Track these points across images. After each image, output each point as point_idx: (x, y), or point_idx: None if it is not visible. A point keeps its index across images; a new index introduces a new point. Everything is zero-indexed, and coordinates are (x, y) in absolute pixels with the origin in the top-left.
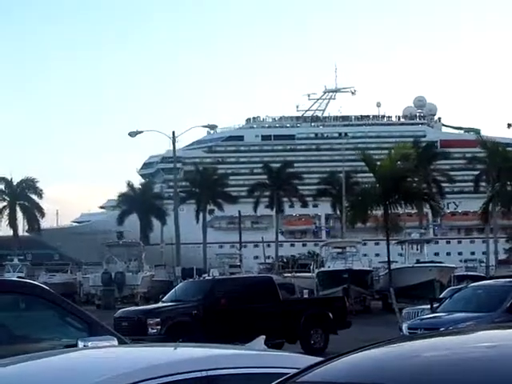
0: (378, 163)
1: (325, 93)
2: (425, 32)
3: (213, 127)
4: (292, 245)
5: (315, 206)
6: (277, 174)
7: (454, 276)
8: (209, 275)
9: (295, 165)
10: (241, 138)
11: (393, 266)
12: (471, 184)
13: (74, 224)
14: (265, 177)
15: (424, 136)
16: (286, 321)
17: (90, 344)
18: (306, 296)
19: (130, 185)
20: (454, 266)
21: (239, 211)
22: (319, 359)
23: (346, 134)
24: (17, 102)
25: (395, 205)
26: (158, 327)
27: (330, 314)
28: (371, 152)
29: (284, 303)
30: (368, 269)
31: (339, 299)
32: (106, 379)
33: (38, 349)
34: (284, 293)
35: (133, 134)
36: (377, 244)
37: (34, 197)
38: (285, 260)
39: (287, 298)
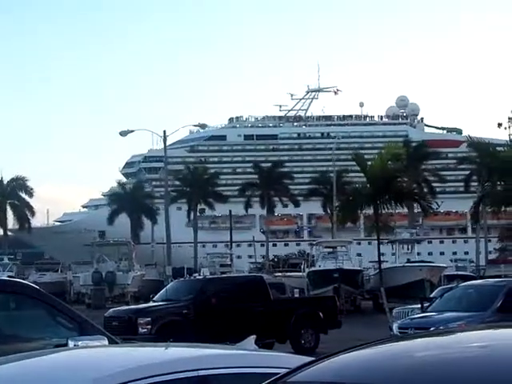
0: (369, 163)
1: (308, 92)
2: (408, 32)
3: (203, 126)
4: (274, 244)
5: (297, 205)
6: (267, 173)
7: (445, 276)
8: (199, 274)
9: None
10: (223, 137)
11: (383, 266)
12: (461, 184)
13: (57, 223)
14: (254, 176)
15: (406, 136)
16: (277, 320)
17: (80, 343)
18: (296, 295)
19: (120, 184)
20: (444, 265)
21: (230, 211)
22: (310, 359)
23: (328, 133)
24: (11, 101)
25: (386, 204)
26: (149, 327)
27: (321, 314)
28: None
29: (274, 303)
30: (358, 268)
31: (330, 299)
32: (98, 378)
33: (28, 348)
34: (275, 292)
35: (124, 134)
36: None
37: (25, 196)
38: (275, 259)
39: (278, 298)
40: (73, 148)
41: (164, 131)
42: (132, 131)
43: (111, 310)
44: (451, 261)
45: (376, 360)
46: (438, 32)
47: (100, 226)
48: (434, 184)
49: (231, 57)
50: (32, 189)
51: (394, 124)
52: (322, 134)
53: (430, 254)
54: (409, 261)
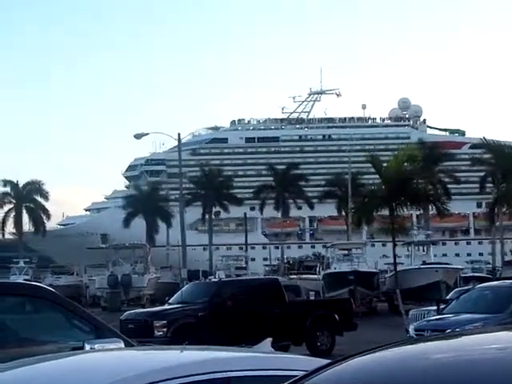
0: (385, 164)
1: (310, 95)
2: (410, 33)
3: (216, 128)
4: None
5: (299, 208)
6: (282, 175)
7: (461, 277)
8: (215, 277)
9: (279, 167)
10: (225, 140)
11: (399, 268)
12: (475, 185)
13: (59, 226)
14: (268, 178)
15: (408, 138)
16: (292, 323)
17: (96, 346)
18: (311, 298)
19: (136, 187)
20: (460, 267)
21: (245, 213)
22: (327, 361)
23: (329, 136)
24: (24, 104)
25: (401, 206)
26: (165, 329)
27: (336, 316)
28: (355, 154)
29: (290, 305)
30: (374, 270)
31: (345, 301)
32: (114, 382)
33: (44, 351)
34: (290, 295)
35: (138, 136)
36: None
37: (40, 199)
38: (291, 262)
39: (293, 300)
40: (78, 149)
41: (178, 134)
42: (147, 134)
43: (127, 312)
44: (467, 262)
45: (393, 363)
46: (440, 33)
47: (102, 229)
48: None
49: (233, 59)
50: (47, 192)
51: (396, 126)
52: (324, 136)
53: (444, 255)
54: (424, 263)
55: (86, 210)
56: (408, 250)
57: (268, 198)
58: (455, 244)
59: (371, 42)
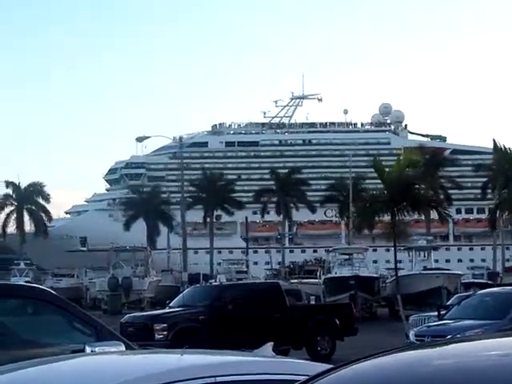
0: (387, 170)
1: (292, 99)
2: (394, 40)
3: (219, 133)
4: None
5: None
6: (284, 179)
7: (462, 283)
8: (215, 281)
9: (259, 171)
10: (205, 144)
11: (400, 273)
12: (477, 191)
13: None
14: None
15: (388, 143)
16: (293, 327)
17: (97, 349)
18: (312, 302)
19: (137, 190)
20: (461, 273)
21: (246, 217)
22: (328, 366)
23: (309, 140)
24: (28, 105)
25: (403, 211)
26: (165, 333)
27: (337, 321)
28: (335, 159)
29: (291, 309)
30: (375, 275)
31: (346, 305)
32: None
33: (45, 354)
34: (291, 299)
35: (140, 139)
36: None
37: (42, 201)
38: (291, 266)
39: (294, 304)
40: (76, 150)
41: (180, 137)
42: (148, 137)
43: (127, 315)
44: (468, 268)
45: (395, 369)
46: (423, 40)
47: (81, 232)
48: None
49: (217, 63)
50: (49, 194)
51: (377, 131)
52: (304, 140)
53: (447, 261)
54: (425, 268)
55: (67, 213)
56: (409, 255)
57: (269, 201)
58: (458, 249)
59: (354, 48)
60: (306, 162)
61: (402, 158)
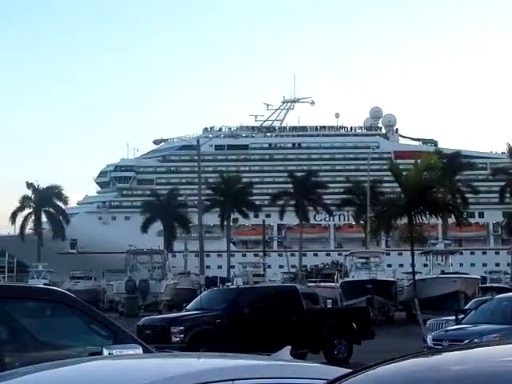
0: (404, 173)
1: (283, 103)
2: (387, 44)
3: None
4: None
5: (268, 215)
6: (302, 182)
7: (479, 287)
8: (232, 284)
9: (248, 175)
10: (195, 147)
11: (417, 277)
12: (495, 195)
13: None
14: (289, 185)
15: (378, 147)
16: (310, 330)
17: (114, 352)
18: (329, 306)
19: (154, 193)
20: (478, 277)
21: (263, 220)
22: (347, 371)
23: (299, 144)
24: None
25: (420, 215)
26: (182, 336)
27: (354, 325)
28: (324, 162)
29: (308, 313)
30: (392, 279)
31: (363, 309)
32: None
33: (63, 356)
34: (308, 302)
35: (157, 142)
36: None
37: (60, 203)
38: (308, 269)
39: (311, 308)
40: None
41: (197, 140)
42: (166, 140)
43: (144, 318)
44: (485, 273)
45: (414, 373)
46: (414, 44)
47: (72, 234)
48: (467, 195)
49: (208, 67)
50: (67, 197)
51: (366, 135)
52: (294, 144)
53: (460, 265)
54: (443, 272)
55: None
56: (426, 259)
57: (287, 204)
58: (471, 254)
59: (345, 51)
60: (296, 166)
61: (419, 161)
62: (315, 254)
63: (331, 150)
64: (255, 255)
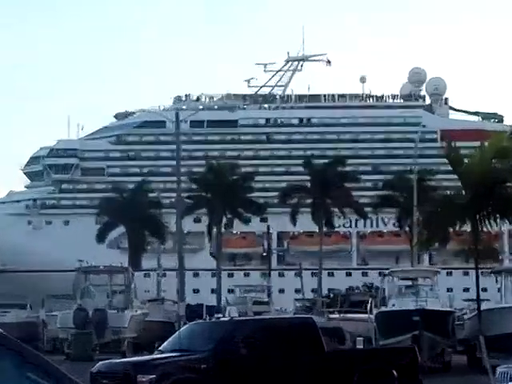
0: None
1: (287, 62)
2: None
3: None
4: (230, 275)
5: (263, 220)
6: (322, 173)
7: None
8: (224, 315)
9: (241, 162)
10: (162, 124)
11: (483, 306)
12: None
13: None
14: (297, 178)
15: (418, 124)
16: (333, 379)
17: None
18: (360, 346)
19: (117, 189)
20: None
21: (268, 226)
22: None
23: (309, 119)
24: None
25: (488, 219)
26: None
27: (395, 372)
28: (344, 145)
29: (330, 355)
30: (448, 309)
31: (407, 351)
32: None
33: None
34: (330, 341)
35: (120, 117)
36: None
37: None
38: (331, 295)
39: (334, 349)
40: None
41: (176, 113)
42: (132, 113)
43: (100, 362)
44: None
45: None
46: None
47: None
48: None
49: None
50: None
51: (404, 107)
52: (301, 119)
53: None
54: None
55: None
56: (497, 281)
57: (301, 204)
58: None
59: None
60: (303, 150)
61: (487, 145)
62: (330, 274)
63: (354, 128)
64: (245, 275)
